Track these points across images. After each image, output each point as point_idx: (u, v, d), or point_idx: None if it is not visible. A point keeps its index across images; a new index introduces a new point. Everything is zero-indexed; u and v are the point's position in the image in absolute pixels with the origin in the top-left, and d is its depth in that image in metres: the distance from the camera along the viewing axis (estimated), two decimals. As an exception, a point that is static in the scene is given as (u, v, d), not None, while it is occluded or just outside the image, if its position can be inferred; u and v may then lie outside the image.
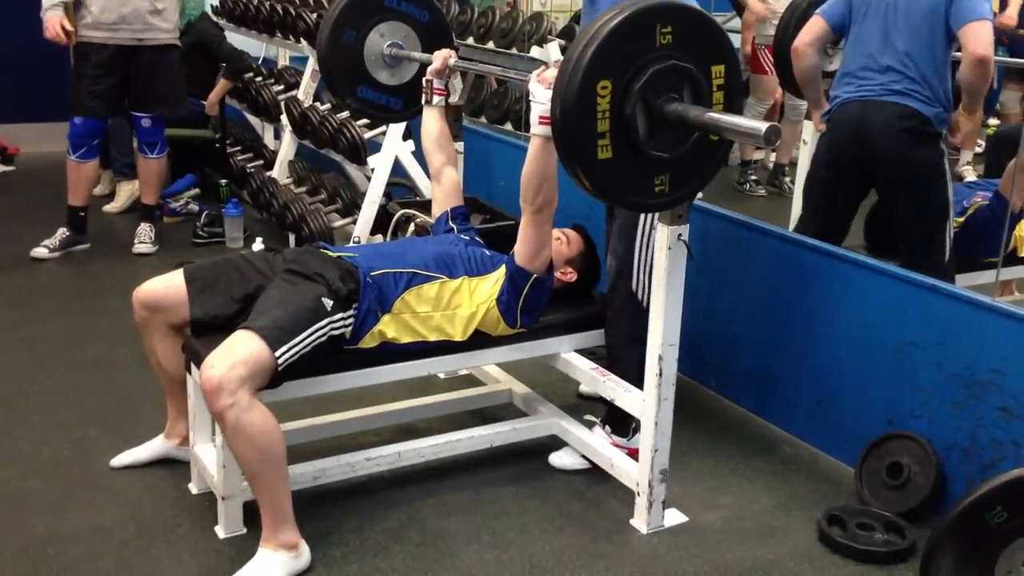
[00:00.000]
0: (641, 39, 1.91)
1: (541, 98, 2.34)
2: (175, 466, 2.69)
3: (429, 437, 2.70)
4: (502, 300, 2.56)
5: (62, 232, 4.55)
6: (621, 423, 2.75)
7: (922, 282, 2.63)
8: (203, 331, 2.43)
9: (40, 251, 4.48)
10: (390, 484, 2.66)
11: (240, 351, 2.16)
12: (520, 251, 2.56)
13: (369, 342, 2.44)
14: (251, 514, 2.40)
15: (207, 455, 2.47)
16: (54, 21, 4.24)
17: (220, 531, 2.40)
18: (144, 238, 4.68)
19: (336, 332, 2.35)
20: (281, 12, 5.08)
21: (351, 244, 3.86)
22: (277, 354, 2.19)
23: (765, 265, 3.08)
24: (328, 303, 2.32)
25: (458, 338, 2.56)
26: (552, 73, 2.33)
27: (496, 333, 2.61)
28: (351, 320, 2.39)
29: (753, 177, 5.79)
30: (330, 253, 2.53)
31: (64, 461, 2.74)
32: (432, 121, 2.96)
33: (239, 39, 5.96)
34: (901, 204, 3.17)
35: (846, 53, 3.29)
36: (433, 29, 3.14)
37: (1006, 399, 2.42)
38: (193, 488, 2.60)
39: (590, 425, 2.84)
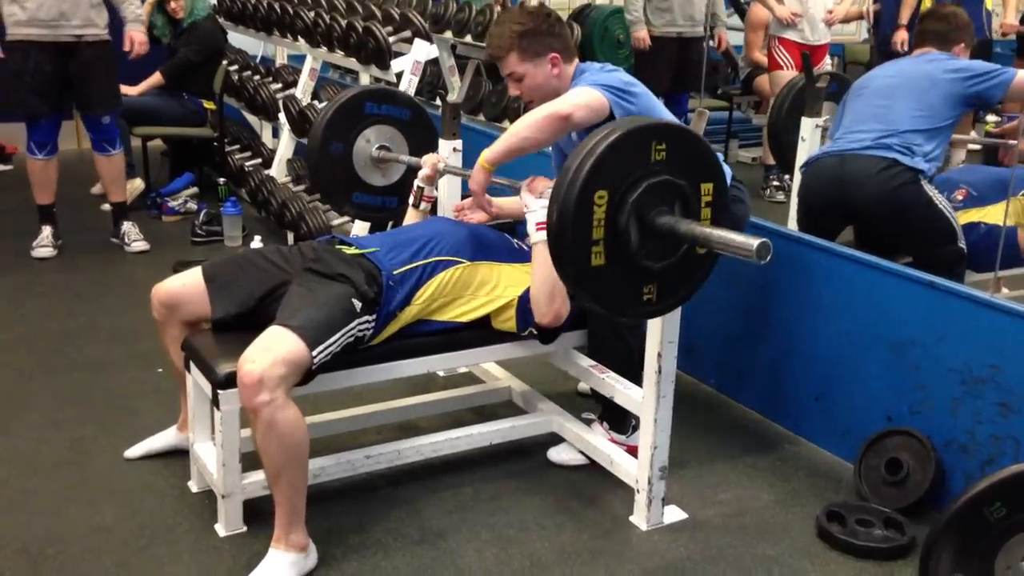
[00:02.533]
0: (637, 154, 1.99)
1: (535, 206, 2.40)
2: (175, 465, 2.69)
3: (429, 435, 2.70)
4: (523, 305, 2.55)
5: (49, 230, 4.52)
6: (619, 420, 2.75)
7: (920, 278, 2.64)
8: (225, 330, 2.46)
9: (44, 251, 4.46)
10: (390, 482, 2.66)
11: (280, 349, 2.16)
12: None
13: (383, 336, 2.46)
14: (251, 512, 2.40)
15: (207, 453, 2.47)
16: None
17: (220, 529, 2.41)
18: (134, 236, 4.66)
19: (360, 333, 2.36)
20: (279, 10, 5.08)
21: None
22: (314, 353, 2.20)
23: (764, 262, 3.08)
24: (358, 304, 2.33)
25: (465, 320, 2.56)
26: (541, 182, 2.39)
27: (499, 326, 2.60)
28: (374, 322, 2.40)
29: (775, 182, 5.81)
30: (349, 251, 2.52)
31: (63, 460, 2.74)
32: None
33: (237, 37, 5.97)
34: (903, 243, 3.19)
35: (831, 131, 3.41)
36: (416, 125, 3.15)
37: (1004, 395, 2.42)
38: (193, 486, 2.60)
39: (588, 422, 2.84)
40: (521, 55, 2.66)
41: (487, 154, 2.57)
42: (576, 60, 2.73)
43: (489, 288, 2.57)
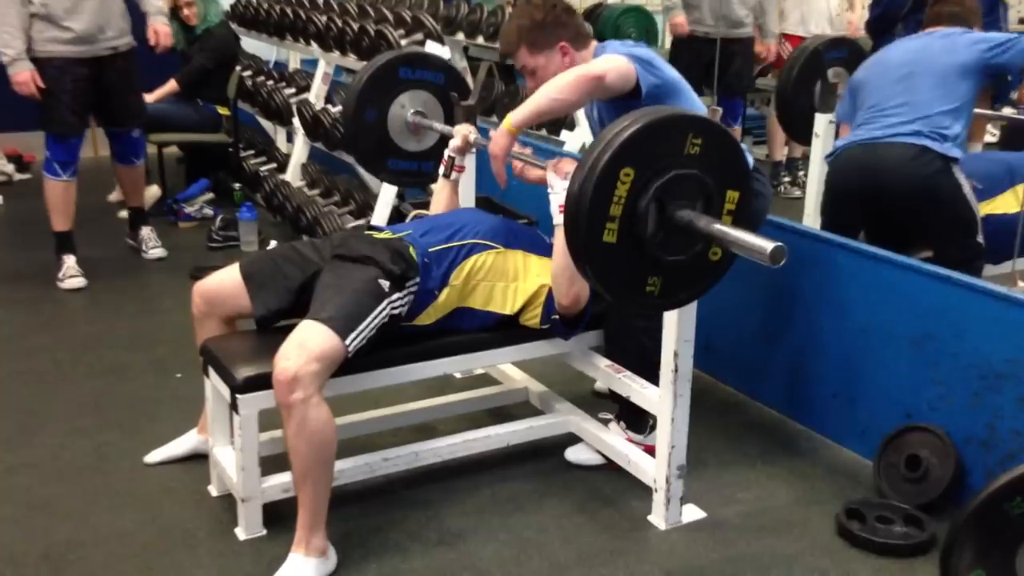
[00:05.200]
0: (672, 142, 1.98)
1: (559, 188, 2.39)
2: (195, 469, 2.71)
3: (446, 437, 2.71)
4: (550, 296, 2.58)
5: (72, 259, 4.30)
6: (637, 419, 2.75)
7: (938, 273, 2.62)
8: (268, 326, 2.51)
9: (74, 282, 4.22)
10: (408, 484, 2.67)
11: (313, 344, 2.19)
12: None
13: (425, 320, 2.49)
14: (271, 516, 2.41)
15: (226, 457, 2.49)
16: (26, 76, 3.94)
17: (240, 533, 2.42)
18: (153, 243, 4.67)
19: (395, 311, 2.38)
20: (292, 15, 5.10)
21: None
22: (347, 342, 2.23)
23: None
24: (385, 284, 2.35)
25: (507, 312, 2.58)
26: (568, 163, 2.39)
27: (525, 321, 2.62)
28: (408, 299, 2.42)
29: (787, 179, 5.77)
30: (379, 235, 2.55)
31: (84, 466, 2.76)
32: (445, 195, 2.96)
33: (250, 43, 6.00)
34: (931, 233, 3.17)
35: (856, 115, 3.35)
36: (450, 88, 3.15)
37: (1023, 389, 2.41)
38: (213, 491, 2.61)
39: (606, 422, 2.84)
40: (530, 49, 2.67)
41: (513, 116, 2.53)
42: (592, 43, 2.72)
43: (523, 276, 2.60)
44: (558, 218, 2.42)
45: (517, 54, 2.70)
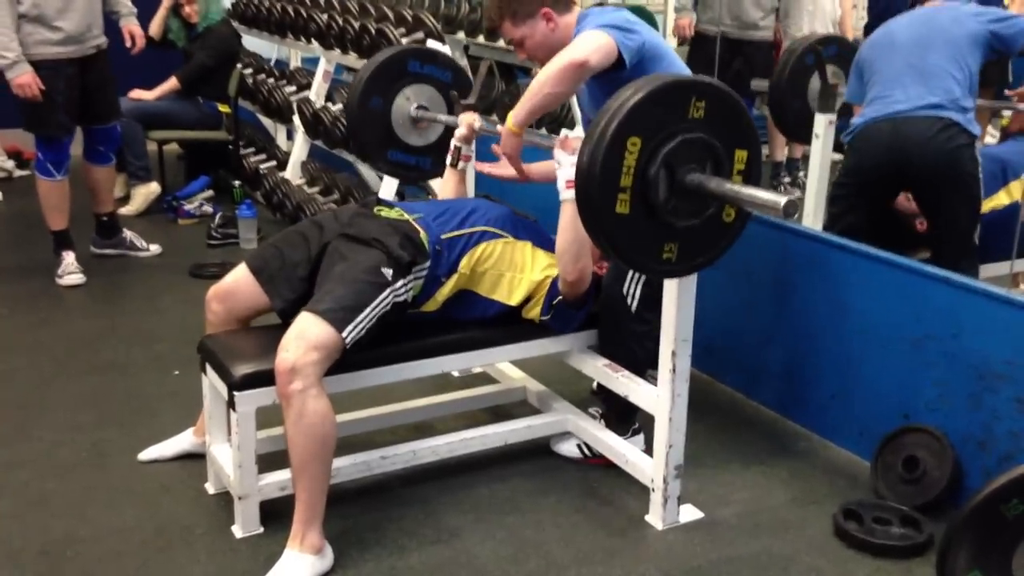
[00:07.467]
0: (675, 107, 2.00)
1: (566, 163, 2.40)
2: (192, 467, 2.71)
3: (444, 435, 2.71)
4: (552, 288, 2.60)
5: (72, 256, 4.30)
6: (620, 422, 2.76)
7: (936, 275, 2.62)
8: (290, 318, 2.47)
9: (73, 278, 4.24)
10: (405, 482, 2.67)
11: (311, 335, 2.20)
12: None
13: (431, 306, 2.51)
14: (267, 514, 2.42)
15: (223, 455, 2.49)
16: (28, 79, 3.90)
17: (237, 531, 2.42)
18: (142, 242, 4.66)
19: (400, 299, 2.38)
20: (293, 14, 5.10)
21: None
22: (344, 334, 2.23)
23: (779, 259, 3.07)
24: (388, 272, 2.35)
25: (511, 303, 2.60)
26: (575, 140, 2.39)
27: (526, 313, 2.64)
28: (414, 284, 2.43)
29: (787, 179, 5.76)
30: (391, 213, 2.55)
31: (82, 462, 2.76)
32: (452, 184, 3.01)
33: (251, 41, 6.00)
34: (941, 211, 3.16)
35: (868, 91, 3.32)
36: (456, 88, 3.19)
37: (1021, 390, 2.40)
38: (210, 488, 2.61)
39: (596, 417, 2.85)
40: (513, 20, 2.69)
41: (513, 116, 2.58)
42: (575, 7, 2.73)
43: (530, 268, 2.61)
44: (564, 194, 2.44)
45: (502, 27, 2.73)
